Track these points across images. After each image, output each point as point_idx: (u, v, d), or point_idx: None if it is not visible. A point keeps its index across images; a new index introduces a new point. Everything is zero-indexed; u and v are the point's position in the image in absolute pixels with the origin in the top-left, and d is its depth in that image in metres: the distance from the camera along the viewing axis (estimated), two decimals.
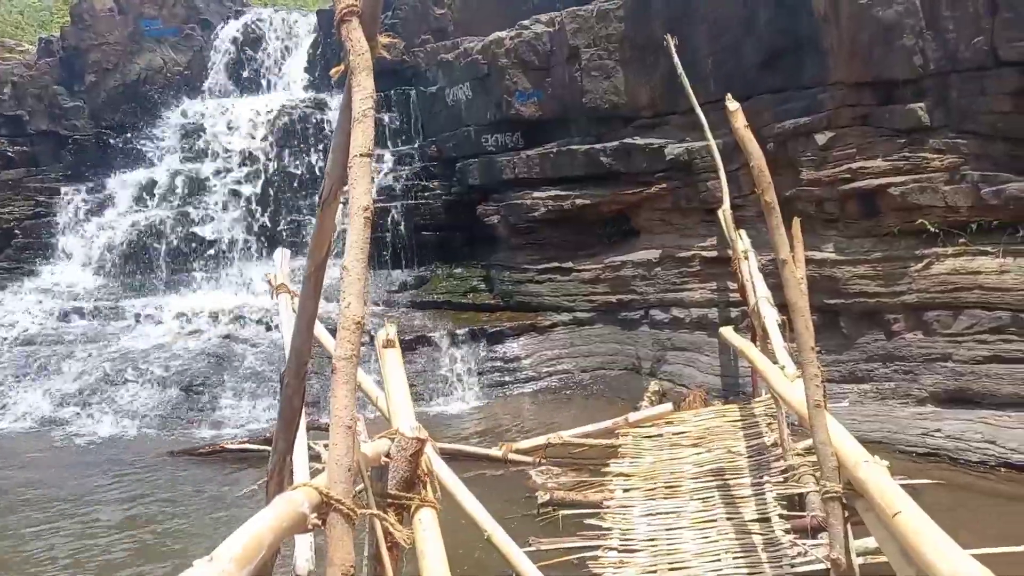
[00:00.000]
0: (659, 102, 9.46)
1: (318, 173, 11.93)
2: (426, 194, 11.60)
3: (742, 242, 7.88)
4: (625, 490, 5.53)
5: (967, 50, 6.84)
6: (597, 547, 4.70)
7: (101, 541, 5.95)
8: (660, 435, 6.54)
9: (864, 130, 7.58)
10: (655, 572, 4.35)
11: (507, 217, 10.46)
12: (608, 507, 5.26)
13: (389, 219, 11.46)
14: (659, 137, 9.35)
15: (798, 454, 5.28)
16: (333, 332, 2.31)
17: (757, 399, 6.91)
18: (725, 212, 8.36)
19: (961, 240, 6.98)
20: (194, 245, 12.31)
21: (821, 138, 7.68)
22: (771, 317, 6.21)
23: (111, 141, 13.92)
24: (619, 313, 9.74)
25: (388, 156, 12.14)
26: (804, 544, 4.29)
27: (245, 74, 14.30)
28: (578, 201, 9.89)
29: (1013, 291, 6.57)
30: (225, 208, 12.43)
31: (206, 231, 12.33)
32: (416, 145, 12.18)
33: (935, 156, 7.17)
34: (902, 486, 2.80)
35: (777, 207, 3.85)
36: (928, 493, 5.26)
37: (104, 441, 8.64)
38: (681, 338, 9.04)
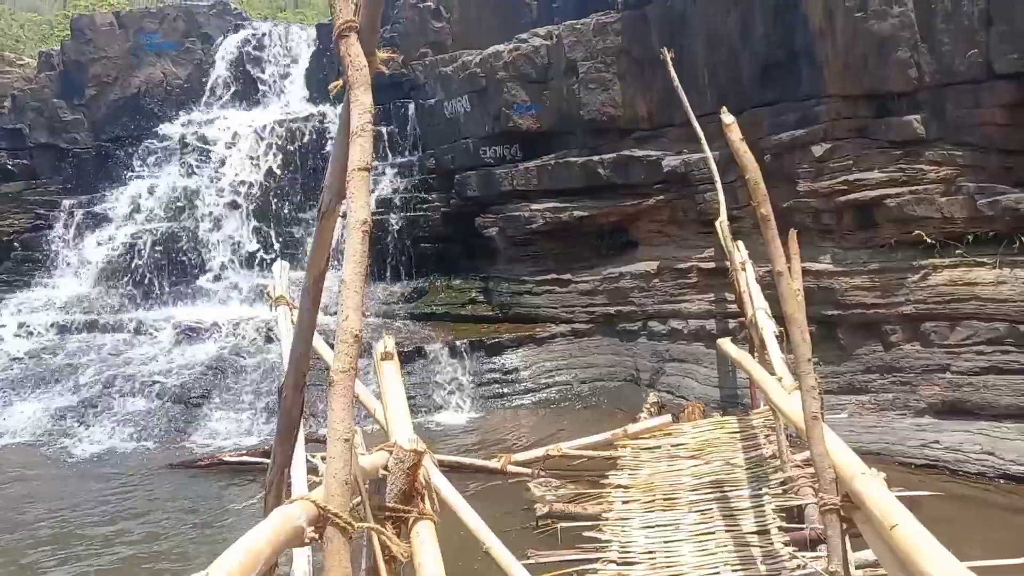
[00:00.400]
0: (656, 114, 9.52)
1: (317, 186, 11.96)
2: (425, 206, 11.64)
3: (739, 254, 7.90)
4: (624, 502, 5.52)
5: (962, 63, 6.89)
6: (596, 560, 4.68)
7: (99, 556, 5.92)
8: (659, 447, 6.53)
9: (860, 142, 7.62)
10: None
11: (505, 229, 10.49)
12: (607, 519, 5.25)
13: (388, 231, 11.50)
14: (656, 149, 9.40)
15: (797, 466, 5.27)
16: (332, 344, 2.32)
17: (755, 411, 6.91)
18: (722, 224, 8.39)
19: (958, 251, 7.00)
20: (193, 258, 12.33)
21: (818, 150, 7.72)
22: (769, 329, 6.22)
23: (111, 154, 13.99)
24: (617, 324, 9.75)
25: (387, 168, 12.18)
26: (803, 557, 4.28)
27: (245, 88, 14.37)
28: (576, 213, 9.92)
29: (1010, 302, 6.59)
30: (224, 221, 12.45)
31: (205, 244, 12.35)
32: (415, 157, 12.23)
33: (931, 168, 7.21)
34: (901, 498, 2.81)
35: (773, 219, 3.87)
36: (927, 505, 5.24)
37: (102, 454, 8.61)
38: (679, 349, 9.04)
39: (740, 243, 8.09)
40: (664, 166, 9.19)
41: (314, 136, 12.64)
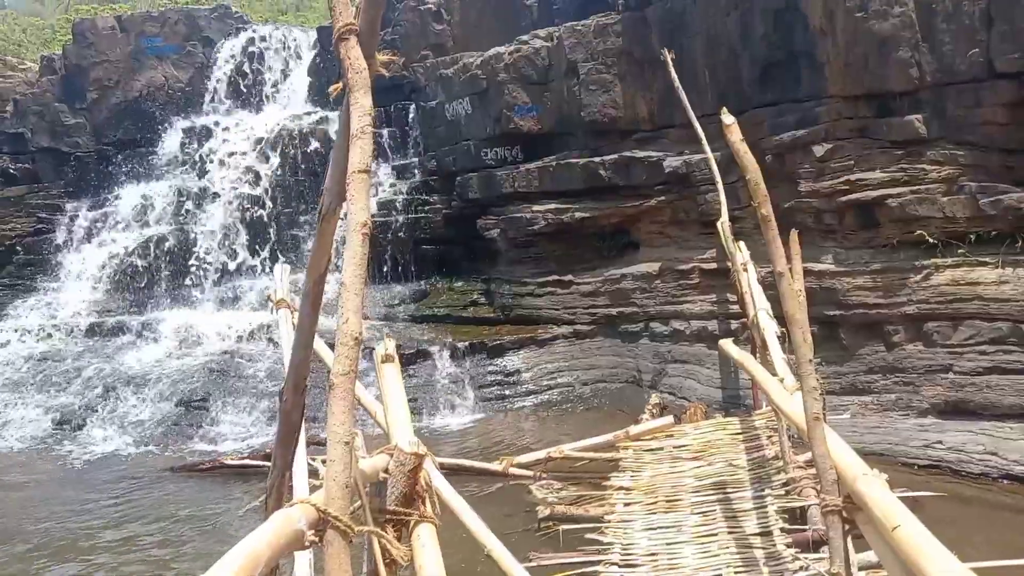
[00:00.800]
0: (657, 115, 9.52)
1: (318, 189, 11.97)
2: (426, 208, 11.65)
3: (741, 254, 7.89)
4: (626, 504, 5.50)
5: (963, 62, 6.89)
6: (598, 562, 4.67)
7: (100, 559, 5.92)
8: (661, 448, 6.52)
9: (862, 142, 7.61)
10: None
11: (507, 231, 10.49)
12: (609, 521, 5.23)
13: (389, 233, 11.51)
14: (657, 150, 9.40)
15: (799, 467, 5.26)
16: (333, 347, 2.32)
17: (758, 411, 6.88)
18: (724, 224, 8.38)
19: (960, 251, 6.99)
20: (194, 261, 12.35)
21: (819, 150, 7.71)
22: (770, 329, 6.21)
23: (113, 158, 14.01)
24: (619, 326, 9.74)
25: (388, 170, 12.19)
26: (806, 558, 4.27)
27: (246, 91, 14.39)
28: (577, 214, 9.92)
29: (1012, 302, 6.57)
30: (225, 224, 12.47)
31: (206, 247, 12.37)
32: (416, 159, 12.24)
33: (933, 167, 7.20)
34: (903, 498, 2.80)
35: (774, 219, 3.86)
36: (930, 505, 5.23)
37: (104, 458, 8.62)
38: (681, 350, 9.03)
39: (742, 244, 8.08)
40: (665, 167, 9.18)
41: (315, 139, 12.65)
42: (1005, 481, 5.96)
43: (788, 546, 4.46)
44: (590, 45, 9.77)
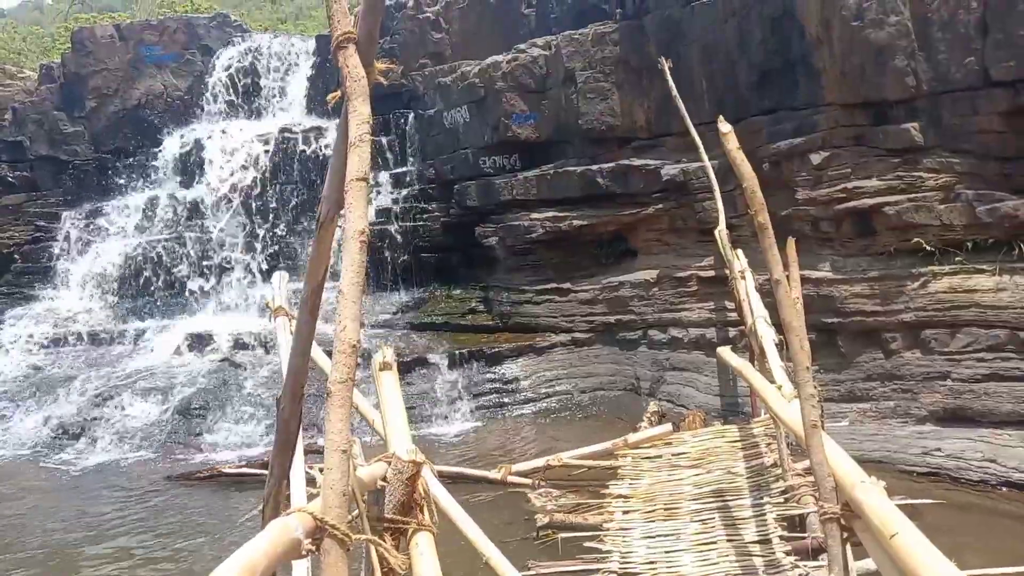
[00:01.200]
0: (655, 123, 9.55)
1: (316, 197, 11.98)
2: (424, 216, 11.66)
3: (739, 262, 7.90)
4: (624, 512, 5.50)
5: (958, 71, 6.92)
6: (597, 570, 4.66)
7: (98, 569, 5.89)
8: (659, 456, 6.52)
9: (858, 150, 7.63)
10: None
11: (505, 238, 10.50)
12: (608, 529, 5.22)
13: (388, 241, 11.52)
14: (655, 158, 9.42)
15: (798, 474, 5.25)
16: (331, 355, 2.32)
17: (756, 419, 6.88)
18: (721, 232, 8.40)
19: (957, 258, 7.00)
20: (192, 269, 12.35)
21: (816, 158, 7.73)
22: (768, 337, 6.21)
23: (111, 166, 14.02)
24: (617, 333, 9.74)
25: (387, 178, 12.21)
26: (805, 566, 4.26)
27: (244, 99, 14.42)
28: (575, 222, 9.93)
29: (1010, 309, 6.58)
30: (223, 232, 12.48)
31: (204, 255, 12.37)
32: (414, 167, 12.26)
33: (929, 175, 7.22)
34: (902, 506, 2.80)
35: (770, 227, 3.87)
36: (929, 513, 5.23)
37: (102, 466, 8.60)
38: (680, 358, 9.03)
39: (739, 251, 8.09)
40: (663, 175, 9.21)
41: (313, 147, 12.68)
42: (1004, 488, 5.96)
43: (787, 554, 4.45)
44: (587, 54, 9.81)
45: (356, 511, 2.49)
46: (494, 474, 6.74)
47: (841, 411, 7.33)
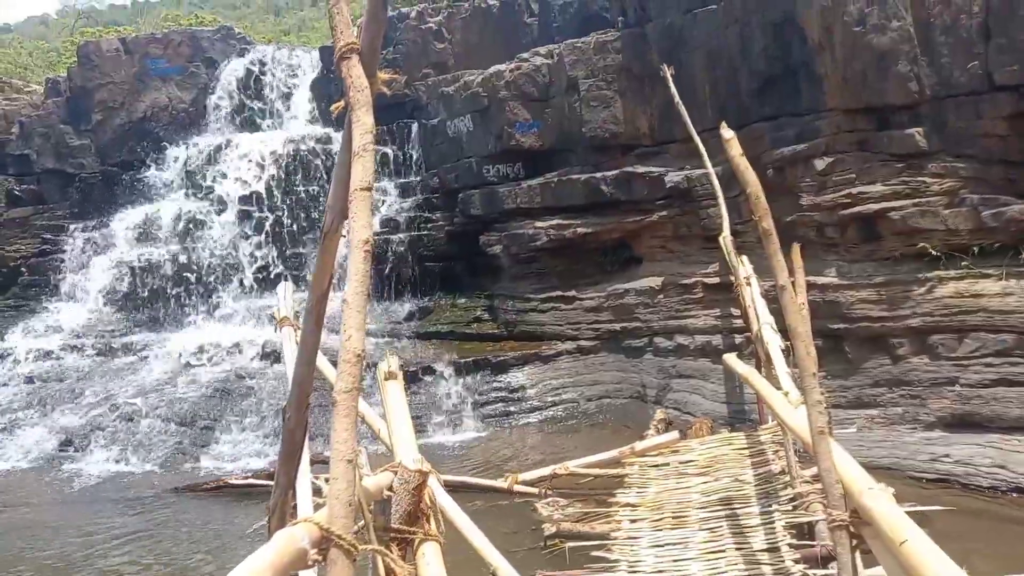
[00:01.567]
0: (658, 130, 9.56)
1: (321, 207, 12.02)
2: (429, 225, 11.68)
3: (744, 268, 7.88)
4: (632, 521, 5.46)
5: (962, 75, 6.91)
6: None
7: None
8: (667, 464, 6.48)
9: (862, 155, 7.63)
10: None
11: (509, 247, 10.51)
12: (615, 538, 5.19)
13: (392, 250, 11.54)
14: (658, 165, 9.43)
15: (806, 482, 5.21)
16: (336, 364, 2.32)
17: (764, 426, 6.84)
18: (726, 239, 8.39)
19: (963, 263, 6.98)
20: (198, 281, 12.38)
21: (820, 163, 7.73)
22: (774, 343, 6.19)
23: (117, 179, 14.09)
24: (623, 341, 9.72)
25: (391, 188, 12.25)
26: (814, 574, 4.23)
27: (249, 111, 14.50)
28: (579, 230, 9.94)
29: (1017, 313, 6.55)
30: (229, 243, 12.52)
31: (210, 266, 12.41)
32: (418, 177, 12.30)
33: (934, 180, 7.21)
34: (911, 513, 2.77)
35: (775, 233, 3.86)
36: (939, 520, 5.18)
37: (108, 478, 8.60)
38: (686, 365, 9.00)
39: (744, 258, 8.08)
40: (666, 182, 9.21)
41: (317, 157, 12.73)
42: (1014, 494, 5.91)
43: (796, 562, 4.42)
44: (590, 62, 9.84)
45: (362, 521, 2.48)
46: (500, 483, 6.72)
47: (849, 417, 7.29)
